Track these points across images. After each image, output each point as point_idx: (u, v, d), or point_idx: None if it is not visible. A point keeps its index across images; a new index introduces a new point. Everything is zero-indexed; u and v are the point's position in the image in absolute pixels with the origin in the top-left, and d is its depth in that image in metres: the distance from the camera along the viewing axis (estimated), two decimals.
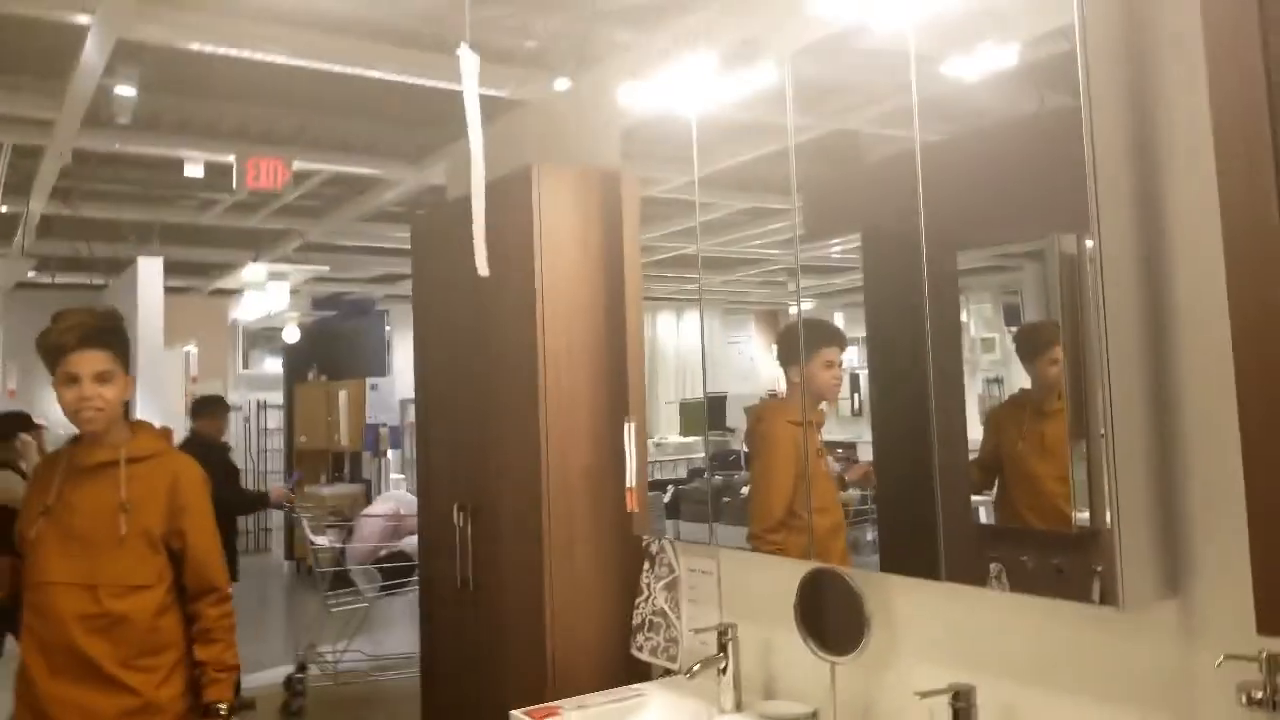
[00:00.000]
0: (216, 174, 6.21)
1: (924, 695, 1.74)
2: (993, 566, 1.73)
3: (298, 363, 11.38)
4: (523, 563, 2.72)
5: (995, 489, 1.80)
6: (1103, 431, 1.55)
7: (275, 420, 12.85)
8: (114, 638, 2.34)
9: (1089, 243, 1.59)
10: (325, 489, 10.31)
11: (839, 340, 2.13)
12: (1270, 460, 1.27)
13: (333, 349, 11.23)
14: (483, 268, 2.10)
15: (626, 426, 2.60)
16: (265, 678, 6.45)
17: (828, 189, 2.16)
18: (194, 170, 6.20)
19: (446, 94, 4.77)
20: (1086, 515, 1.58)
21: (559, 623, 2.63)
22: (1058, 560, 1.63)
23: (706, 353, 2.50)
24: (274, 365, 15.76)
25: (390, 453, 10.07)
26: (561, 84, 3.39)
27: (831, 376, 2.14)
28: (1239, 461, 1.31)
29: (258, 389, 13.35)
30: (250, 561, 11.09)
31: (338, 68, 4.29)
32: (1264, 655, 1.37)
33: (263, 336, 15.12)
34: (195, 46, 3.88)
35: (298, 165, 6.09)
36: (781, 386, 2.35)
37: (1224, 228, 1.32)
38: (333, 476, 10.69)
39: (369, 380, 10.12)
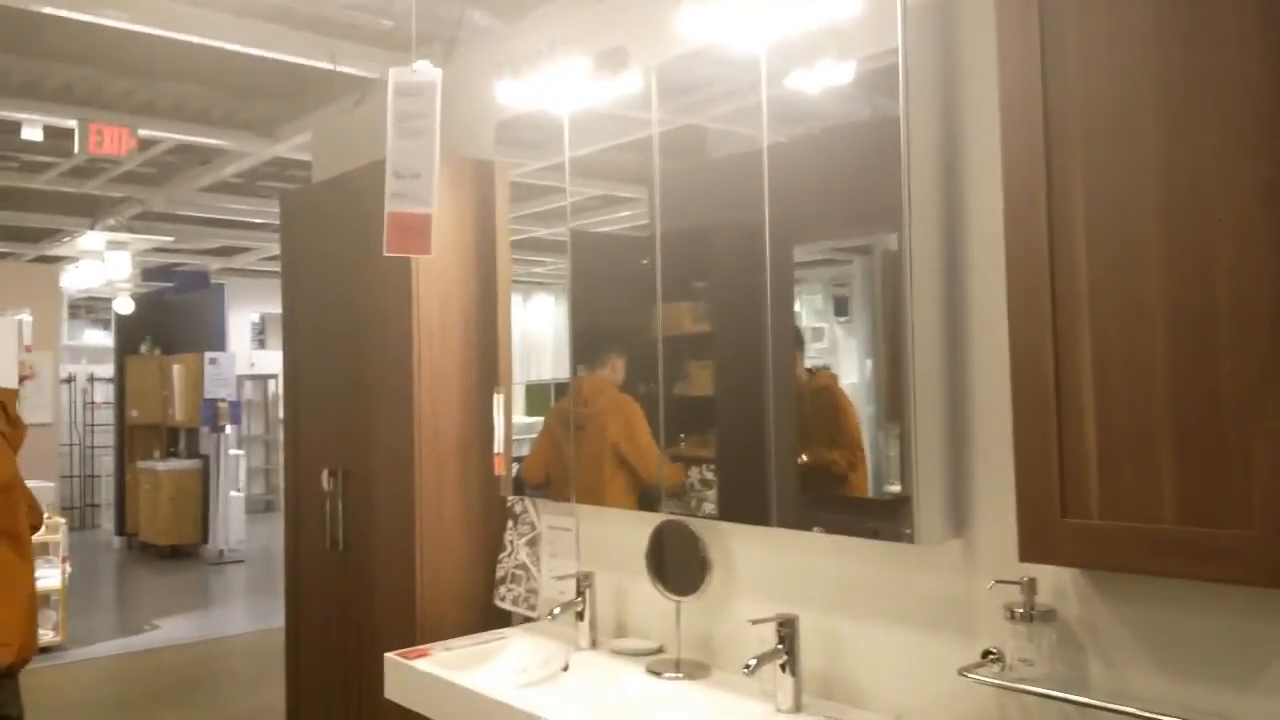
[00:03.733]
0: (56, 137, 6.04)
1: (755, 622, 2.05)
2: (818, 520, 2.05)
3: (129, 335, 11.00)
4: (394, 523, 2.91)
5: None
6: (910, 412, 1.85)
7: (104, 394, 12.41)
8: None
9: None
10: (160, 465, 10.06)
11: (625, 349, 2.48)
12: (1034, 434, 1.58)
13: (167, 321, 10.92)
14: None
15: (496, 398, 2.83)
16: (99, 650, 6.34)
17: (678, 181, 2.38)
18: (32, 133, 6.01)
19: (298, 68, 4.82)
20: (899, 487, 1.89)
21: (428, 576, 2.83)
22: (878, 525, 1.95)
23: (557, 336, 2.70)
24: (95, 336, 15.08)
25: (229, 428, 9.91)
26: (423, 66, 3.53)
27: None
28: (1010, 433, 1.63)
29: (86, 361, 12.85)
30: (80, 537, 10.73)
31: (185, 37, 4.30)
32: (1024, 579, 1.72)
33: (84, 307, 14.46)
34: (42, 9, 3.84)
35: (142, 132, 5.99)
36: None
37: (1006, 236, 1.63)
38: (167, 452, 10.41)
39: (207, 355, 9.91)
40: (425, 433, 2.85)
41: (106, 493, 11.64)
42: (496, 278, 2.89)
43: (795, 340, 2.11)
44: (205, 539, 9.97)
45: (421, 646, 2.56)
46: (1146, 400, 1.47)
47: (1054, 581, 1.73)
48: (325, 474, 3.17)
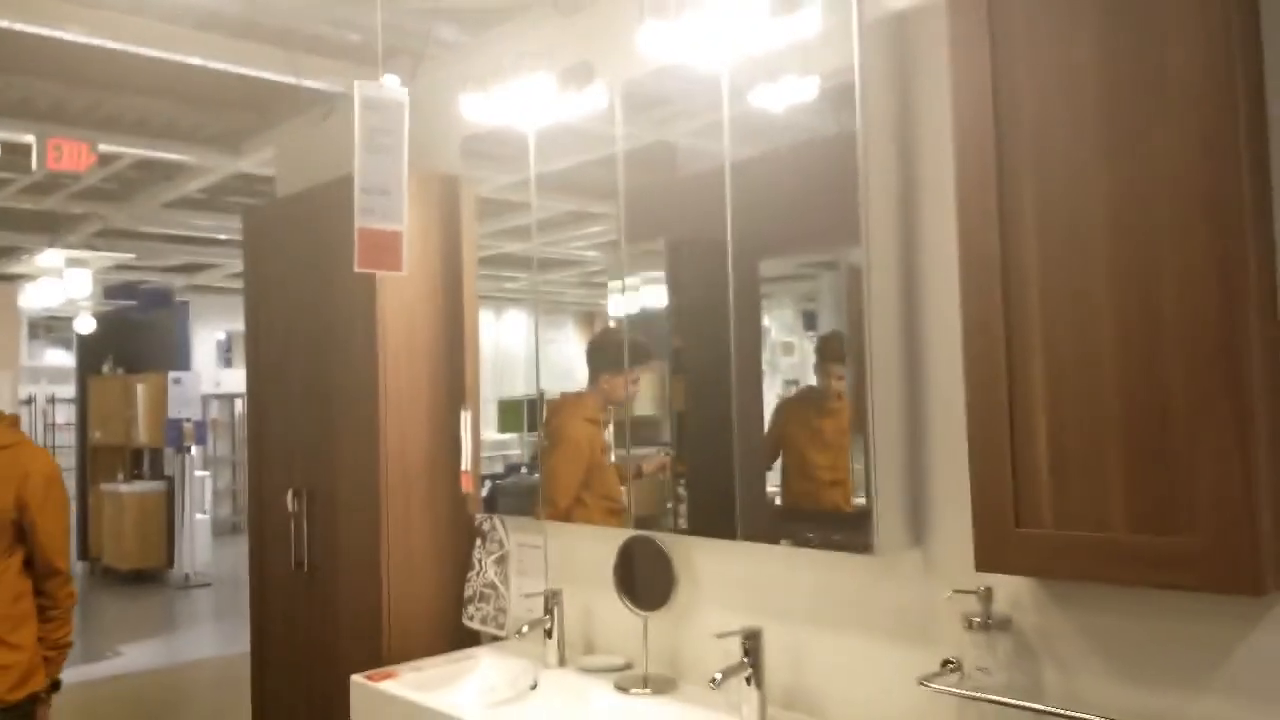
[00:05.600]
0: (13, 153, 5.96)
1: (720, 636, 2.06)
2: (781, 532, 2.08)
3: (91, 354, 10.86)
4: (360, 543, 2.90)
5: (779, 470, 2.14)
6: (870, 425, 1.87)
7: (65, 414, 12.25)
8: None
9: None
10: (124, 487, 9.92)
11: (647, 359, 2.41)
12: (988, 446, 1.62)
13: (130, 340, 10.78)
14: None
15: (463, 415, 2.83)
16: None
17: (645, 197, 2.39)
18: None
19: (263, 82, 4.80)
20: (863, 499, 1.91)
21: (395, 596, 2.83)
22: (839, 536, 1.98)
23: (529, 352, 2.71)
24: (56, 356, 14.89)
25: (194, 449, 9.80)
26: (391, 81, 3.52)
27: (635, 389, 2.44)
28: (965, 445, 1.65)
29: (46, 381, 12.68)
30: None
31: (148, 51, 4.27)
32: (981, 589, 1.75)
33: (44, 326, 14.27)
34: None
35: (103, 148, 5.93)
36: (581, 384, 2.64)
37: (960, 251, 1.67)
38: (131, 474, 10.28)
39: (171, 374, 9.80)
40: (391, 451, 2.85)
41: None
42: (463, 293, 2.90)
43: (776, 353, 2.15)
44: (171, 563, 9.84)
45: (388, 668, 2.56)
46: (1096, 413, 1.50)
47: (1010, 590, 1.76)
48: (290, 495, 3.15)
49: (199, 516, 9.78)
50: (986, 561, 1.63)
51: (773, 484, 2.13)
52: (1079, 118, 1.53)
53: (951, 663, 1.81)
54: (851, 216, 1.90)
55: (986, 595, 1.75)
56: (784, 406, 2.13)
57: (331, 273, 3.02)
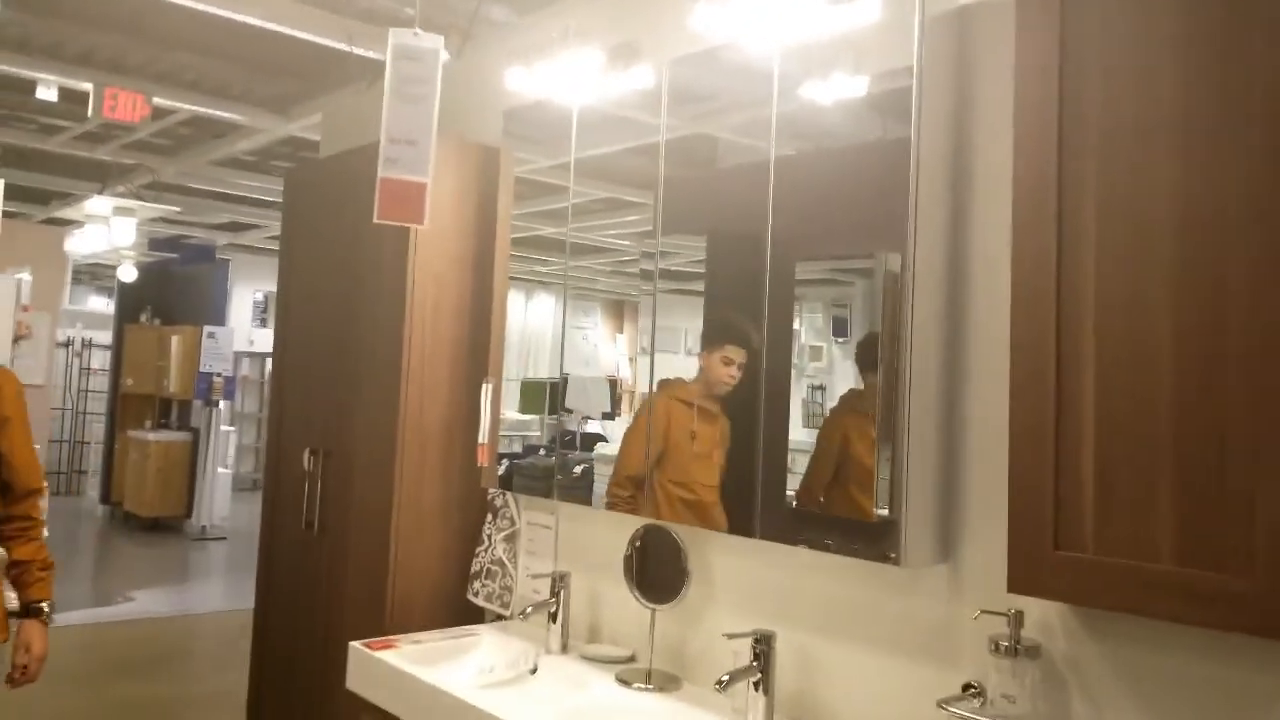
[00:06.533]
0: (70, 100, 6.00)
1: (730, 637, 1.98)
2: (801, 535, 1.99)
3: (130, 303, 10.95)
4: (371, 507, 2.85)
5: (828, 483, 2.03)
6: (903, 433, 1.79)
7: (100, 360, 12.39)
8: None
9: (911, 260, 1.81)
10: (150, 435, 9.99)
11: (742, 340, 2.23)
12: (1030, 461, 1.52)
13: (169, 293, 10.87)
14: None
15: (484, 386, 2.77)
16: (72, 618, 6.26)
17: (683, 188, 2.32)
18: (47, 93, 5.99)
19: (315, 48, 4.79)
20: (886, 509, 1.82)
21: (401, 565, 2.77)
22: (862, 544, 1.88)
23: (555, 336, 2.64)
24: (98, 303, 15.07)
25: (222, 403, 9.85)
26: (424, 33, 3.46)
27: (728, 372, 2.29)
28: (1004, 460, 1.57)
29: (83, 326, 12.83)
30: (64, 503, 10.67)
31: (208, 9, 4.26)
32: (1011, 611, 1.66)
33: (88, 272, 14.43)
34: None
35: (157, 101, 5.96)
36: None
37: (1013, 260, 1.57)
38: (158, 423, 10.35)
39: (206, 328, 9.86)
40: (410, 417, 2.79)
41: (95, 460, 11.58)
42: (495, 265, 2.83)
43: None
44: (189, 513, 9.90)
45: (388, 637, 2.50)
46: (1149, 435, 1.40)
47: (1041, 615, 1.66)
48: (307, 453, 3.11)
49: (221, 470, 9.83)
50: (1020, 583, 1.54)
51: (792, 486, 2.04)
52: (1154, 112, 1.42)
53: (974, 687, 1.71)
54: (899, 219, 1.81)
55: (1016, 619, 1.65)
56: (837, 420, 2.00)
57: (366, 234, 2.97)
